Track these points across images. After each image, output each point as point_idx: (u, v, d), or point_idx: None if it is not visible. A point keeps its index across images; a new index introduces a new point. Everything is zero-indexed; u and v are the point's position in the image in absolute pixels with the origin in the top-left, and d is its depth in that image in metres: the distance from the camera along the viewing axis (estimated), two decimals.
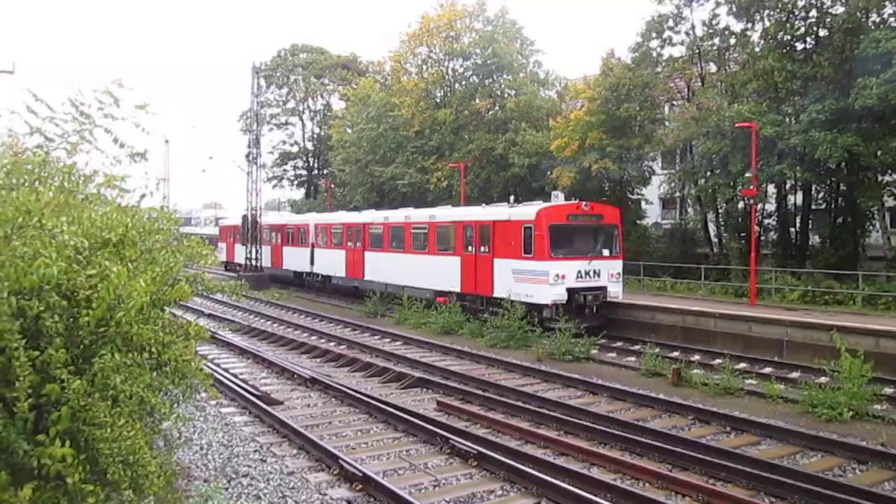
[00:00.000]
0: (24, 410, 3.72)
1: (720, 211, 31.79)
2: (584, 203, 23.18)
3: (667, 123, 32.85)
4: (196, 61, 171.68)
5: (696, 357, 18.51)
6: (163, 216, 5.69)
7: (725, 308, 21.74)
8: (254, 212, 41.17)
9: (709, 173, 29.93)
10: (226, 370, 16.17)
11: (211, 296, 30.88)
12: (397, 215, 29.82)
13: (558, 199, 23.77)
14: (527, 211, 22.54)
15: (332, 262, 33.63)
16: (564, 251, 21.72)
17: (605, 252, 22.56)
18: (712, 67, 32.32)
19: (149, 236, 5.17)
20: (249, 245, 40.81)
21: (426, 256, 26.40)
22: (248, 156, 43.59)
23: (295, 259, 37.51)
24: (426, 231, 26.66)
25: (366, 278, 30.29)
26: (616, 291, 22.40)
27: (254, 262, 40.70)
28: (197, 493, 3.96)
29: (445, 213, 27.24)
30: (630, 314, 22.78)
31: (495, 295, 22.76)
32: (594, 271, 21.86)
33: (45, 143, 5.40)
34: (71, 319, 4.13)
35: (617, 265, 22.76)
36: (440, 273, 25.36)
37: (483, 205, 26.86)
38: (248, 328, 23.52)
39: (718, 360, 17.29)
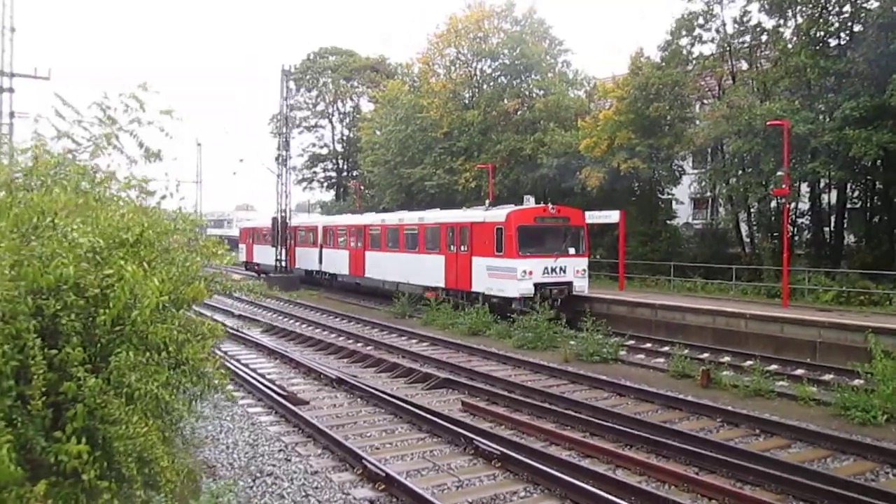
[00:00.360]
0: (39, 408, 3.78)
1: (752, 210, 31.32)
2: (551, 206, 25.20)
3: (697, 122, 32.43)
4: (228, 65, 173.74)
5: (727, 359, 18.26)
6: (181, 217, 5.75)
7: (757, 309, 21.40)
8: (283, 214, 41.51)
9: (740, 172, 29.53)
10: (254, 370, 16.29)
11: (236, 295, 31.56)
12: (392, 218, 32.30)
13: (529, 202, 25.63)
14: (498, 213, 24.67)
15: (337, 261, 36.15)
16: (532, 250, 23.75)
17: (571, 250, 24.65)
18: (743, 65, 31.88)
19: (166, 236, 5.24)
20: (279, 247, 41.15)
21: (417, 255, 28.80)
22: (277, 158, 43.99)
23: (306, 258, 40.01)
24: (416, 232, 29.06)
25: (366, 275, 32.98)
26: (581, 286, 24.52)
27: (284, 263, 41.04)
28: (208, 490, 3.97)
29: (432, 216, 29.21)
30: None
31: (473, 289, 25.04)
32: (560, 268, 24.02)
33: (73, 147, 5.50)
34: (88, 318, 4.19)
35: (582, 262, 24.83)
36: (428, 270, 27.76)
37: (464, 208, 29.98)
38: (277, 329, 23.70)
39: (749, 362, 17.01)
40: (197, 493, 4.64)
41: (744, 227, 32.46)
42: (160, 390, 4.27)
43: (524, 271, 23.14)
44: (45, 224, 3.85)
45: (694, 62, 32.45)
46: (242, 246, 52.15)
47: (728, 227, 33.95)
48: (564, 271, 24.05)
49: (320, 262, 37.82)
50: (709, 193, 35.32)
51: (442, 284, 26.91)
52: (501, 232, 23.76)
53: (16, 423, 3.88)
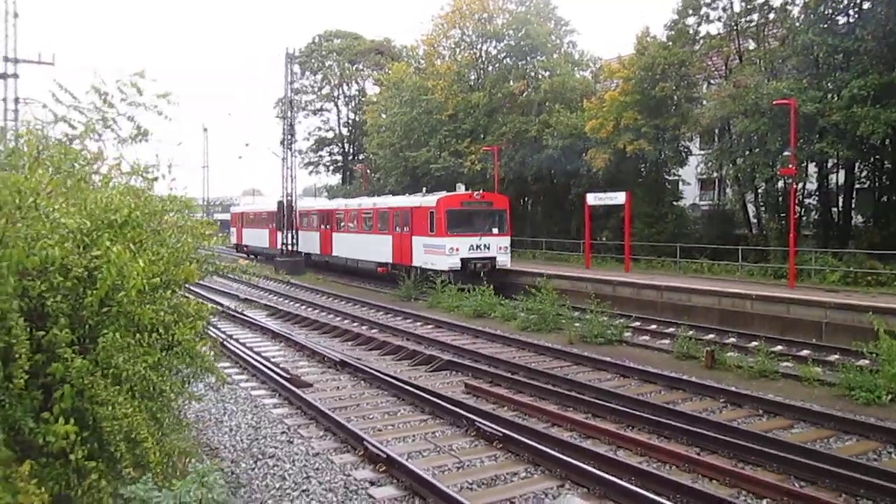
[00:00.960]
0: (21, 387, 3.77)
1: (759, 191, 31.06)
2: (476, 193, 29.05)
3: (703, 102, 32.14)
4: (232, 48, 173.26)
5: (732, 340, 18.20)
6: (171, 198, 5.72)
7: (763, 290, 21.30)
8: (289, 198, 41.50)
9: (747, 152, 29.26)
10: (258, 353, 16.34)
11: (244, 279, 31.79)
12: (353, 203, 36.78)
13: (460, 189, 29.65)
14: (431, 199, 28.57)
15: (311, 242, 40.05)
16: (459, 230, 27.47)
17: (495, 230, 28.38)
18: (751, 44, 31.47)
19: (156, 217, 5.22)
20: (285, 230, 41.19)
21: (371, 235, 32.83)
22: (283, 142, 43.90)
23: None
24: (371, 216, 33.19)
25: (333, 254, 37.10)
26: (504, 261, 28.27)
27: (290, 247, 41.10)
28: (195, 470, 3.97)
29: (383, 202, 33.67)
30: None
31: (413, 264, 28.89)
32: (484, 245, 27.75)
33: (70, 132, 5.47)
34: (76, 300, 4.17)
35: (505, 241, 28.59)
36: (380, 248, 31.59)
37: (407, 195, 34.06)
38: (282, 312, 23.73)
39: (754, 343, 16.91)
40: (174, 472, 4.64)
41: (751, 208, 32.25)
42: (148, 371, 4.26)
43: (451, 248, 26.95)
44: (28, 205, 3.83)
45: (701, 41, 32.11)
46: (233, 229, 55.76)
47: (735, 207, 33.73)
48: (488, 248, 27.79)
49: (296, 243, 41.11)
50: (715, 174, 35.06)
51: (390, 260, 30.87)
52: (433, 215, 27.63)
53: (3, 404, 3.88)
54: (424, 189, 32.57)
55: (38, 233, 3.92)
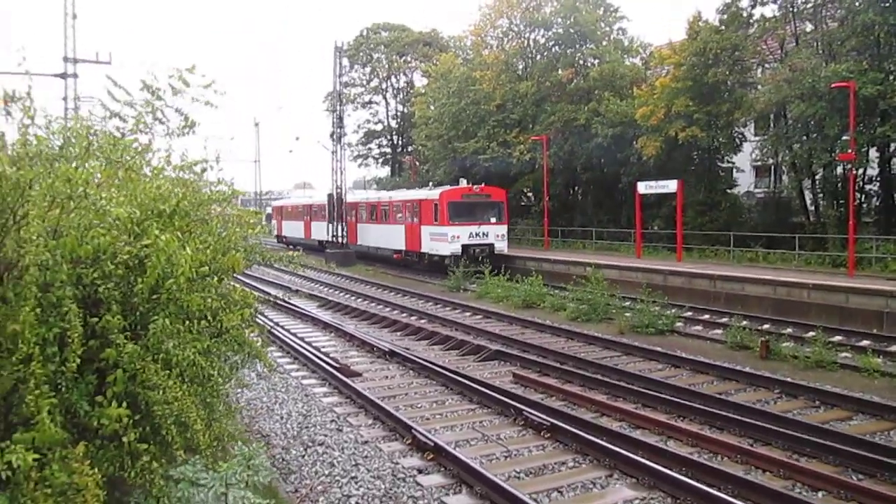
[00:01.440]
0: (74, 370, 3.90)
1: (817, 177, 30.14)
2: (475, 186, 32.63)
3: (758, 87, 31.29)
4: (282, 43, 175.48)
5: (788, 330, 17.73)
6: (219, 190, 5.83)
7: (821, 279, 20.71)
8: (339, 190, 41.92)
9: (804, 138, 28.42)
10: (309, 343, 16.60)
11: (299, 272, 32.37)
12: (372, 196, 41.34)
13: (462, 183, 33.26)
14: (435, 193, 32.23)
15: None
16: (460, 219, 30.86)
17: (493, 220, 31.83)
18: (808, 26, 30.50)
19: (203, 207, 5.33)
20: (335, 223, 41.65)
21: (388, 226, 36.73)
22: (332, 135, 44.33)
23: (319, 231, 46.91)
24: (388, 208, 36.85)
25: (358, 243, 40.97)
26: (501, 247, 31.58)
27: (340, 239, 41.55)
28: (241, 453, 4.06)
29: (397, 195, 37.26)
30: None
31: (422, 250, 32.69)
32: (483, 233, 31.13)
33: (122, 126, 5.63)
34: (127, 287, 4.29)
35: (502, 229, 32.02)
36: (395, 237, 35.44)
37: (417, 188, 38.04)
38: (332, 303, 24.02)
39: (811, 333, 16.49)
40: (223, 454, 4.75)
41: (808, 195, 31.32)
42: (197, 357, 4.37)
43: (453, 236, 30.44)
44: (79, 195, 3.95)
45: (755, 24, 31.22)
46: (274, 222, 60.76)
47: (791, 195, 32.81)
48: (487, 235, 31.15)
49: (328, 233, 43.66)
50: (771, 161, 34.09)
51: (403, 248, 34.66)
52: (437, 206, 31.20)
53: (60, 387, 4.02)
54: (431, 183, 37.04)
55: (90, 222, 4.05)
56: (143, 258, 4.30)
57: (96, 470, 3.81)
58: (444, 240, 30.76)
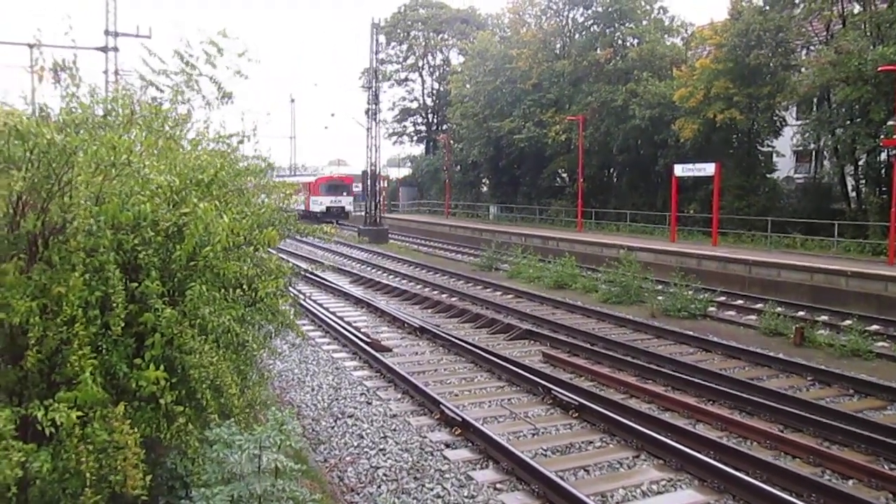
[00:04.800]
0: (119, 334, 4.02)
1: (859, 163, 29.48)
2: (335, 175, 61.44)
3: (801, 70, 30.59)
4: (319, 19, 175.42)
5: (824, 317, 17.48)
6: (255, 164, 5.93)
7: (860, 266, 20.33)
8: (373, 167, 42.06)
9: (848, 122, 27.78)
10: (340, 318, 16.78)
11: (325, 245, 32.73)
12: (311, 177, 63.05)
13: (327, 172, 62.73)
14: (313, 178, 59.64)
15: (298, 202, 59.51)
16: (326, 193, 57.59)
17: (345, 194, 58.55)
18: (855, 7, 29.68)
19: (240, 178, 5.42)
20: (369, 199, 41.85)
21: (301, 196, 54.43)
22: (367, 112, 44.41)
23: (315, 204, 59.13)
24: (301, 185, 55.78)
25: (310, 209, 56.75)
26: (350, 210, 57.78)
27: (374, 216, 41.76)
28: (273, 418, 4.16)
29: (307, 177, 63.78)
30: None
31: (311, 210, 55.71)
32: (339, 200, 57.65)
33: (157, 95, 5.74)
34: (166, 254, 4.40)
35: (349, 199, 58.72)
36: (301, 201, 54.64)
37: (310, 174, 69.92)
38: (364, 279, 24.21)
39: (848, 322, 16.22)
40: (254, 419, 4.89)
41: (850, 181, 30.67)
42: (232, 324, 4.47)
43: (320, 202, 56.60)
44: (122, 162, 4.04)
45: (801, 5, 30.47)
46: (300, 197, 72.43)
47: (832, 181, 32.15)
48: (341, 202, 57.80)
49: (321, 206, 59.46)
50: (812, 146, 33.41)
51: (304, 209, 53.83)
52: (314, 185, 57.39)
53: (101, 349, 4.15)
54: (317, 169, 62.31)
55: (132, 189, 4.14)
56: (182, 226, 4.39)
57: (135, 430, 3.94)
58: (318, 204, 56.52)
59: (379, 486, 7.68)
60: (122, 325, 3.97)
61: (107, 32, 35.39)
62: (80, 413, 3.79)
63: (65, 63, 4.44)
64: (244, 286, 4.87)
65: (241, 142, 5.87)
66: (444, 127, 61.26)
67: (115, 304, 3.93)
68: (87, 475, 3.75)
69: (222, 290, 4.65)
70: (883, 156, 27.52)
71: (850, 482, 7.89)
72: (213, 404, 4.29)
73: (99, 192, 4.09)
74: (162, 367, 4.09)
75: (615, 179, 43.24)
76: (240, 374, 4.86)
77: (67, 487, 3.96)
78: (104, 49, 35.20)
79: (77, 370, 3.86)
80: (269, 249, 5.64)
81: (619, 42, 39.92)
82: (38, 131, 3.89)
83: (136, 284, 4.25)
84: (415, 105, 67.26)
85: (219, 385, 4.25)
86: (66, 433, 3.79)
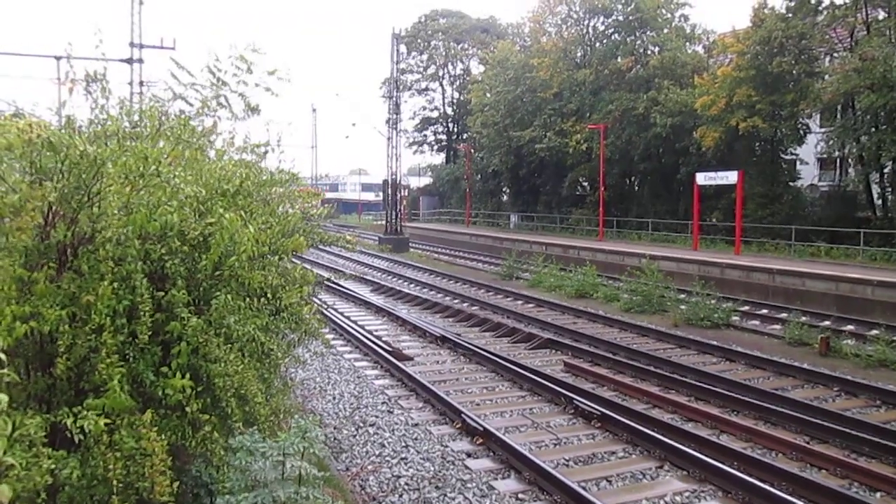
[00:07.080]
0: (146, 342, 4.08)
1: (885, 171, 29.12)
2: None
3: (825, 77, 30.30)
4: (341, 30, 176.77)
5: (850, 327, 17.26)
6: (281, 174, 5.99)
7: (887, 275, 20.05)
8: (394, 176, 42.24)
9: (873, 129, 27.50)
10: (361, 327, 16.84)
11: (346, 255, 33.08)
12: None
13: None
14: None
15: None
16: None
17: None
18: (880, 14, 29.39)
19: (265, 188, 5.48)
20: (389, 209, 42.02)
21: None
22: (388, 121, 44.67)
23: None
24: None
25: None
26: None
27: (395, 226, 41.92)
28: (297, 425, 4.19)
29: None
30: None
31: None
32: None
33: (186, 108, 5.82)
34: (192, 263, 4.46)
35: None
36: None
37: None
38: (385, 288, 24.27)
39: (875, 331, 15.99)
40: (278, 427, 4.93)
41: (875, 189, 30.30)
42: (257, 333, 4.51)
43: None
44: (150, 172, 4.11)
45: (824, 12, 30.22)
46: None
47: (858, 188, 31.78)
48: None
49: None
50: (837, 153, 33.07)
51: None
52: None
53: (128, 357, 4.21)
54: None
55: (159, 200, 4.21)
56: (207, 236, 4.45)
57: (162, 437, 3.99)
58: None
59: (401, 496, 7.68)
60: (149, 333, 4.03)
61: (132, 44, 35.91)
62: (107, 420, 3.84)
63: (96, 75, 4.53)
64: (269, 295, 4.92)
65: (266, 152, 5.95)
66: (465, 136, 61.47)
67: (141, 313, 3.99)
68: (115, 482, 3.80)
69: (247, 300, 4.70)
70: None
71: (878, 494, 7.77)
72: (238, 412, 4.34)
73: (127, 203, 4.16)
74: (188, 376, 4.14)
75: (636, 188, 43.07)
76: (264, 382, 4.91)
77: (95, 494, 4.01)
78: (129, 61, 35.70)
79: (105, 378, 3.92)
80: (293, 259, 5.69)
81: (641, 50, 39.85)
82: (70, 143, 3.98)
83: (162, 293, 4.31)
84: (435, 114, 67.54)
85: (244, 393, 4.30)
86: (94, 440, 3.84)
